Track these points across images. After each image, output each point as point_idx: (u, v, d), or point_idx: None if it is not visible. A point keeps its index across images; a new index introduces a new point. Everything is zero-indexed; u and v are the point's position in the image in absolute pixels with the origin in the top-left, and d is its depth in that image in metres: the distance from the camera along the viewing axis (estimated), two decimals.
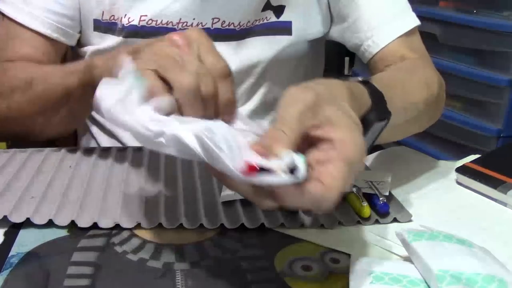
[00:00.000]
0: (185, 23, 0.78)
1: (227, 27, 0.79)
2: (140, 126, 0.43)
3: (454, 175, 0.70)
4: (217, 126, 0.40)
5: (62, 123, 0.75)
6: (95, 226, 0.55)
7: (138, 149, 0.74)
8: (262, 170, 0.38)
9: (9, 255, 0.51)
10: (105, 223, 0.55)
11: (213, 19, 0.79)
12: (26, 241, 0.53)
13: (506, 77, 1.51)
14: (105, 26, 0.79)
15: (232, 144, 0.39)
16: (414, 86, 0.67)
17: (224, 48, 0.80)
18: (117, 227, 0.55)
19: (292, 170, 0.39)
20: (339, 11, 0.82)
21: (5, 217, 0.55)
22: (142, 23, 0.77)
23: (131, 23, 0.78)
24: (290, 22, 0.82)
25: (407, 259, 0.50)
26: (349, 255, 0.52)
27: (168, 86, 0.47)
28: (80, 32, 0.82)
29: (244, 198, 0.59)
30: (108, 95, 0.46)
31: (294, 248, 0.54)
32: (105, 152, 0.73)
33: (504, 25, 1.51)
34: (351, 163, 0.40)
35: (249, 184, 0.40)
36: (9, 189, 0.62)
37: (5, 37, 0.79)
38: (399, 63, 0.76)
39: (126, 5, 0.77)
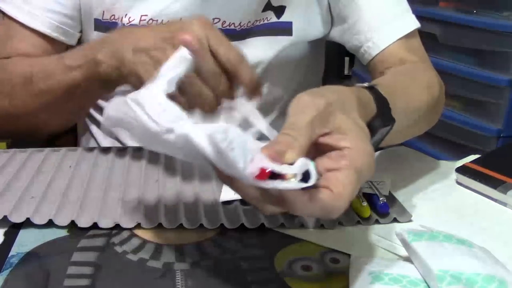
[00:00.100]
0: None
1: (227, 27, 0.79)
2: (149, 120, 0.43)
3: (454, 175, 0.70)
4: (231, 128, 0.40)
5: (65, 117, 0.75)
6: (95, 226, 0.55)
7: (138, 149, 0.74)
8: (273, 175, 0.38)
9: (9, 255, 0.51)
10: (105, 223, 0.56)
11: (213, 19, 0.79)
12: (26, 241, 0.53)
13: (506, 77, 1.51)
14: (106, 26, 0.79)
15: (245, 147, 0.39)
16: (416, 90, 0.67)
17: None
18: (117, 227, 0.55)
19: (304, 176, 0.38)
20: (339, 12, 0.82)
21: (5, 217, 0.55)
22: (142, 23, 0.77)
23: (131, 23, 0.78)
24: (291, 22, 0.82)
25: (407, 259, 0.50)
26: (349, 255, 0.52)
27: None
28: (81, 31, 0.82)
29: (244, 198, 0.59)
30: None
31: (294, 248, 0.54)
32: (105, 152, 0.73)
33: (504, 25, 1.51)
34: (360, 172, 0.40)
35: (257, 189, 0.40)
36: (9, 189, 0.62)
37: (4, 35, 0.79)
38: (399, 65, 0.76)
39: (126, 5, 0.77)
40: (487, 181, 0.66)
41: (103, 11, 0.79)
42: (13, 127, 0.76)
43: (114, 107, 0.46)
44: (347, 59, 2.34)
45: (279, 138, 0.41)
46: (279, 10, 0.81)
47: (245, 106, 0.50)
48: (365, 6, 0.79)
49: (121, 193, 0.61)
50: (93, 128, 0.90)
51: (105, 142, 0.88)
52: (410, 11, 0.81)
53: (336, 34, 0.85)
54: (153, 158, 0.71)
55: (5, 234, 0.54)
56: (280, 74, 0.86)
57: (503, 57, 1.53)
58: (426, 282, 0.46)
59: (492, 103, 1.57)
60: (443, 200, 0.65)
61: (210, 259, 0.51)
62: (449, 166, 0.73)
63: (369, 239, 0.55)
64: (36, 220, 0.55)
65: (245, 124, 0.48)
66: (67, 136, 0.98)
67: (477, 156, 0.75)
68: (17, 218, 0.55)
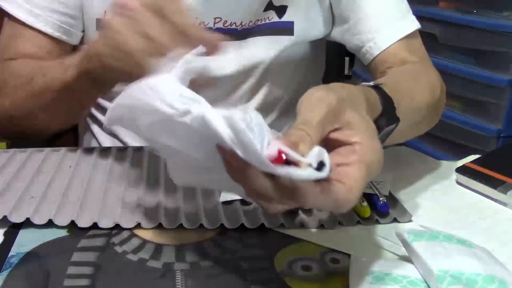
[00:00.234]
0: None
1: (229, 26, 0.80)
2: (163, 105, 0.42)
3: (454, 175, 0.70)
4: (249, 111, 0.40)
5: (65, 118, 0.75)
6: (95, 226, 0.55)
7: (138, 149, 0.74)
8: (288, 163, 0.38)
9: (9, 255, 0.51)
10: (105, 223, 0.55)
11: (215, 18, 0.79)
12: (26, 241, 0.53)
13: (506, 77, 1.51)
14: None
15: (262, 130, 0.39)
16: (418, 91, 0.67)
17: (226, 48, 0.81)
18: (117, 227, 0.55)
19: (319, 166, 0.38)
20: (340, 13, 0.82)
21: (5, 217, 0.55)
22: None
23: None
24: (292, 22, 0.82)
25: (407, 259, 0.50)
26: (349, 255, 0.52)
27: None
28: (83, 31, 0.82)
29: (243, 198, 0.59)
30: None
31: (294, 248, 0.54)
32: (105, 152, 0.73)
33: (504, 25, 1.51)
34: (370, 167, 0.41)
35: (269, 179, 0.39)
36: (9, 189, 0.61)
37: (9, 36, 0.79)
38: (400, 65, 0.76)
39: None
40: (487, 181, 0.66)
41: (105, 11, 0.79)
42: (14, 128, 0.76)
43: (124, 96, 0.46)
44: (347, 59, 2.34)
45: (292, 131, 0.41)
46: (281, 10, 0.82)
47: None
48: (366, 6, 0.79)
49: (121, 193, 0.61)
50: (94, 128, 0.90)
51: (106, 141, 0.88)
52: (411, 12, 0.81)
53: (337, 34, 0.85)
54: (153, 158, 0.71)
55: (5, 234, 0.54)
56: (280, 74, 0.86)
57: (503, 57, 1.52)
58: (426, 282, 0.46)
59: (492, 103, 1.57)
60: (443, 200, 0.65)
61: (210, 259, 0.51)
62: (449, 166, 0.73)
63: (369, 239, 0.55)
64: (36, 220, 0.55)
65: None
66: (67, 136, 0.98)
67: (477, 156, 0.75)
68: (17, 218, 0.55)
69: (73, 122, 0.90)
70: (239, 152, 0.38)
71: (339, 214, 0.59)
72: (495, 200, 0.65)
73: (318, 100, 0.42)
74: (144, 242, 0.54)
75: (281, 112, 0.90)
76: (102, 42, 0.57)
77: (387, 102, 0.54)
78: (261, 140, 0.38)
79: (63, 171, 0.67)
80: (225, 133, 0.38)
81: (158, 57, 0.48)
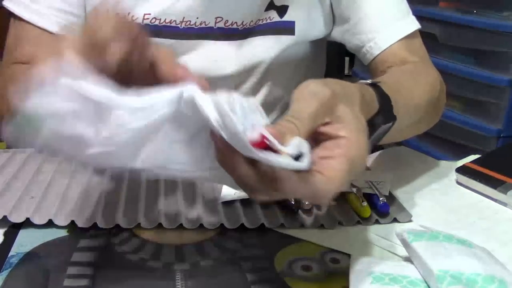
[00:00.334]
0: (188, 22, 0.78)
1: (230, 26, 0.80)
2: (158, 94, 0.41)
3: (454, 175, 0.70)
4: (235, 95, 0.40)
5: None
6: (95, 226, 0.55)
7: None
8: (270, 150, 0.38)
9: (9, 255, 0.51)
10: (105, 223, 0.55)
11: (216, 18, 0.79)
12: (26, 241, 0.53)
13: (506, 77, 1.51)
14: None
15: (246, 113, 0.39)
16: (418, 90, 0.68)
17: (226, 48, 0.81)
18: (117, 227, 0.55)
19: (298, 157, 0.39)
20: (341, 13, 0.82)
21: (5, 217, 0.55)
22: (145, 22, 0.78)
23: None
24: (293, 22, 0.82)
25: (407, 259, 0.50)
26: (349, 255, 0.52)
27: None
28: None
29: (243, 198, 0.59)
30: None
31: (294, 248, 0.54)
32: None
33: (504, 25, 1.51)
34: (353, 162, 0.41)
35: (251, 167, 0.40)
36: (8, 189, 0.61)
37: (14, 38, 0.79)
38: (400, 65, 0.77)
39: (130, 4, 0.77)
40: (487, 181, 0.66)
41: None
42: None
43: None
44: (347, 59, 2.34)
45: (281, 122, 0.41)
46: (282, 10, 0.82)
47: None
48: (366, 6, 0.79)
49: (121, 193, 0.61)
50: None
51: None
52: (411, 13, 0.81)
53: (337, 34, 0.85)
54: None
55: (5, 234, 0.54)
56: (281, 74, 0.86)
57: (503, 57, 1.53)
58: (426, 282, 0.46)
59: (492, 103, 1.57)
60: (443, 200, 0.65)
61: (210, 259, 0.51)
62: (449, 166, 0.73)
63: (369, 239, 0.55)
64: (36, 220, 0.55)
65: None
66: None
67: (477, 156, 0.75)
68: (17, 218, 0.55)
69: None
70: (224, 135, 0.38)
71: (339, 214, 0.59)
72: (495, 200, 0.65)
73: (311, 94, 0.42)
74: (144, 242, 0.54)
75: (282, 111, 0.90)
76: None
77: (385, 100, 0.54)
78: (244, 122, 0.38)
79: (63, 171, 0.67)
80: (212, 116, 0.38)
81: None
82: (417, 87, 0.68)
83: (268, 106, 0.88)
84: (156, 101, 0.41)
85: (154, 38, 0.79)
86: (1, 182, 0.63)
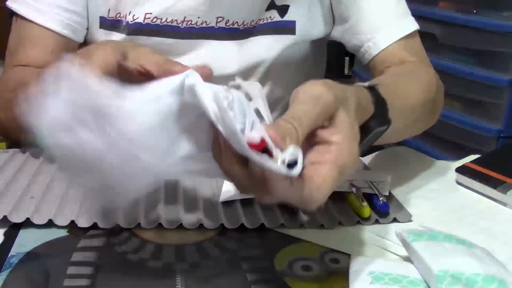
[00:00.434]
0: (189, 22, 0.78)
1: (231, 26, 0.80)
2: (157, 86, 0.42)
3: (454, 175, 0.70)
4: (233, 91, 0.40)
5: None
6: (95, 226, 0.55)
7: None
8: (264, 152, 0.38)
9: (9, 255, 0.51)
10: (105, 223, 0.55)
11: (217, 18, 0.79)
12: (26, 241, 0.53)
13: (506, 77, 1.51)
14: (111, 24, 0.80)
15: (244, 111, 0.39)
16: (414, 91, 0.68)
17: (227, 47, 0.81)
18: (117, 227, 0.55)
19: (291, 164, 0.39)
20: (340, 12, 0.82)
21: (5, 217, 0.55)
22: (147, 21, 0.78)
23: (136, 21, 0.78)
24: (294, 21, 0.82)
25: (407, 259, 0.50)
26: (349, 255, 0.52)
27: None
28: (87, 29, 0.82)
29: (243, 198, 0.59)
30: None
31: (294, 248, 0.54)
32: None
33: (504, 25, 1.51)
34: (342, 168, 0.41)
35: (243, 166, 0.40)
36: (8, 189, 0.61)
37: (17, 39, 0.79)
38: (399, 65, 0.77)
39: (131, 3, 0.78)
40: (487, 181, 0.66)
41: (109, 9, 0.79)
42: (13, 138, 0.76)
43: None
44: (347, 59, 2.34)
45: (281, 123, 0.41)
46: (283, 9, 0.82)
47: (253, 87, 0.50)
48: (366, 7, 0.79)
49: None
50: None
51: None
52: (410, 13, 0.81)
53: (337, 33, 0.85)
54: None
55: (5, 234, 0.54)
56: (282, 73, 0.86)
57: (503, 57, 1.52)
58: (426, 282, 0.46)
59: (492, 103, 1.57)
60: (443, 200, 0.65)
61: (210, 259, 0.51)
62: (449, 166, 0.73)
63: (369, 239, 0.55)
64: (36, 220, 0.55)
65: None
66: None
67: (477, 156, 0.75)
68: (17, 218, 0.55)
69: None
70: (221, 129, 0.39)
71: (339, 214, 0.59)
72: (495, 200, 0.65)
73: (314, 97, 0.42)
74: (144, 242, 0.54)
75: (283, 111, 0.90)
76: None
77: (380, 104, 0.54)
78: (242, 120, 0.39)
79: None
80: (211, 108, 0.39)
81: None
82: (413, 87, 0.68)
83: (269, 106, 0.88)
84: (160, 90, 0.41)
85: (155, 37, 0.79)
86: (1, 182, 0.63)
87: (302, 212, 0.59)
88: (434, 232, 0.50)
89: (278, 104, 0.89)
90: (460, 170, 0.69)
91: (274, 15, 0.82)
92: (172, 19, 0.78)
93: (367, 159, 0.73)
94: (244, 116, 0.39)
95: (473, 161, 0.71)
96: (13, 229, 0.55)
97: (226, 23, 0.80)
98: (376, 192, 0.60)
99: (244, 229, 0.56)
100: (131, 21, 0.78)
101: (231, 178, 0.42)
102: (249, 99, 0.49)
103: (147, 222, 0.56)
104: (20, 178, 0.64)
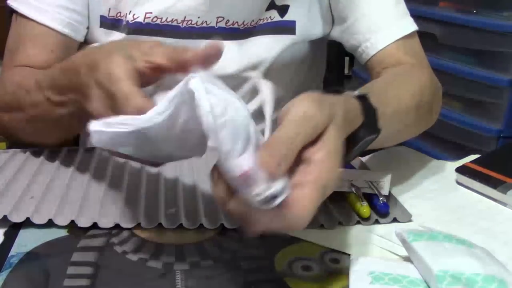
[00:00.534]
0: (189, 21, 0.78)
1: (231, 26, 0.80)
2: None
3: (454, 175, 0.70)
4: (231, 106, 0.40)
5: (61, 138, 0.74)
6: (95, 226, 0.55)
7: None
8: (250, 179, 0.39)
9: (9, 255, 0.51)
10: (105, 223, 0.55)
11: (217, 18, 0.79)
12: (26, 241, 0.53)
13: (506, 77, 1.51)
14: (111, 23, 0.80)
15: (238, 131, 0.39)
16: (406, 95, 0.67)
17: (228, 47, 0.80)
18: (117, 227, 0.55)
19: (273, 197, 0.39)
20: (339, 12, 0.82)
21: (5, 216, 0.55)
22: (147, 21, 0.78)
23: (136, 20, 0.78)
24: (294, 21, 0.82)
25: (407, 259, 0.50)
26: (349, 255, 0.52)
27: None
28: (87, 28, 0.82)
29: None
30: None
31: (294, 248, 0.54)
32: (105, 152, 0.73)
33: (504, 25, 1.51)
34: (325, 188, 0.42)
35: (226, 188, 0.41)
36: (8, 189, 0.61)
37: (17, 38, 0.78)
38: (396, 67, 0.76)
39: (131, 2, 0.78)
40: (487, 181, 0.66)
41: (109, 8, 0.79)
42: (13, 139, 0.76)
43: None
44: (347, 59, 2.34)
45: (276, 146, 0.41)
46: (283, 9, 0.82)
47: (266, 87, 0.50)
48: (364, 7, 0.79)
49: (121, 193, 0.61)
50: None
51: None
52: (409, 14, 0.81)
53: (336, 33, 0.85)
54: None
55: (5, 234, 0.54)
56: (282, 73, 0.86)
57: (503, 57, 1.52)
58: (426, 282, 0.46)
59: (492, 103, 1.57)
60: (443, 200, 0.65)
61: (210, 259, 0.51)
62: (449, 166, 0.73)
63: (369, 239, 0.55)
64: (36, 220, 0.55)
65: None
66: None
67: (477, 156, 0.75)
68: (17, 218, 0.55)
69: (74, 134, 0.90)
70: (213, 145, 0.39)
71: (339, 214, 0.59)
72: (495, 200, 0.65)
73: (306, 117, 0.42)
74: (144, 242, 0.54)
75: None
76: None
77: (370, 114, 0.54)
78: (233, 140, 0.39)
79: (63, 171, 0.67)
80: (206, 121, 0.39)
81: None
82: (406, 92, 0.67)
83: None
84: (172, 95, 0.42)
85: (155, 37, 0.79)
86: (1, 182, 0.63)
87: None
88: (434, 232, 0.50)
89: (279, 104, 0.89)
90: (460, 170, 0.69)
91: (274, 15, 0.82)
92: (172, 19, 0.78)
93: (367, 159, 0.73)
94: (239, 136, 0.39)
95: (473, 161, 0.71)
96: (13, 229, 0.55)
97: (226, 23, 0.80)
98: (376, 192, 0.60)
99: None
100: (131, 21, 0.78)
101: (216, 197, 0.42)
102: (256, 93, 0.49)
103: (147, 222, 0.56)
104: (20, 178, 0.64)
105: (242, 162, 0.39)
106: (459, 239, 0.50)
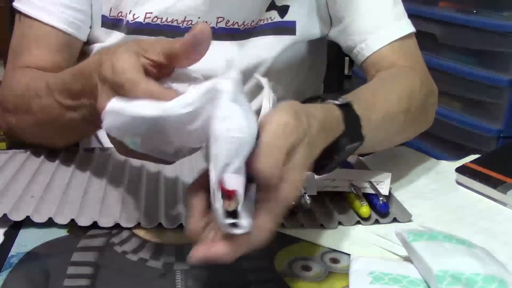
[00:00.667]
0: (190, 22, 0.78)
1: (231, 26, 0.80)
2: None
3: (454, 175, 0.70)
4: (249, 126, 0.40)
5: (70, 142, 0.74)
6: (95, 225, 0.55)
7: None
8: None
9: (9, 255, 0.51)
10: (105, 222, 0.56)
11: (217, 18, 0.79)
12: (26, 241, 0.53)
13: (506, 77, 1.51)
14: (112, 23, 0.80)
15: (242, 154, 0.39)
16: (394, 99, 0.66)
17: (228, 47, 0.81)
18: (117, 227, 0.55)
19: (235, 226, 0.40)
20: (336, 13, 0.82)
21: (5, 215, 0.55)
22: (147, 20, 0.78)
23: (136, 20, 0.78)
24: (294, 22, 0.82)
25: (407, 259, 0.50)
26: (349, 255, 0.52)
27: None
28: (90, 27, 0.82)
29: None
30: None
31: (294, 248, 0.54)
32: (105, 152, 0.73)
33: (504, 25, 1.51)
34: (285, 204, 0.42)
35: (203, 203, 0.43)
36: (9, 189, 0.61)
37: (21, 38, 0.78)
38: (389, 69, 0.76)
39: (132, 2, 0.78)
40: (487, 181, 0.66)
41: (110, 8, 0.79)
42: (22, 141, 0.75)
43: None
44: (347, 59, 2.33)
45: (264, 167, 0.41)
46: (283, 10, 0.82)
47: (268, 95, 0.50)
48: (361, 8, 0.79)
49: (121, 193, 0.61)
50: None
51: (108, 141, 0.88)
52: (406, 16, 0.80)
53: (333, 34, 0.85)
54: None
55: (5, 234, 0.54)
56: (282, 74, 0.86)
57: (503, 57, 1.52)
58: (426, 282, 0.46)
59: (492, 103, 1.57)
60: (443, 200, 0.65)
61: None
62: (449, 166, 0.73)
63: (369, 239, 0.55)
64: (36, 219, 0.55)
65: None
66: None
67: (477, 156, 0.75)
68: (17, 217, 0.55)
69: (84, 138, 0.90)
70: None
71: (339, 214, 0.59)
72: (495, 200, 0.65)
73: (285, 133, 0.42)
74: (144, 242, 0.54)
75: None
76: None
77: (352, 122, 0.55)
78: (234, 161, 0.39)
79: (63, 171, 0.67)
80: (219, 128, 0.39)
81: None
82: (393, 95, 0.67)
83: None
84: (203, 90, 0.41)
85: (155, 37, 0.79)
86: (1, 182, 0.63)
87: (302, 212, 0.59)
88: (434, 232, 0.50)
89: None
90: (460, 170, 0.69)
91: (274, 16, 0.82)
92: (173, 19, 0.78)
93: (367, 159, 0.73)
94: (239, 154, 0.39)
95: (473, 161, 0.71)
96: (13, 229, 0.55)
97: (226, 23, 0.80)
98: (376, 192, 0.60)
99: None
100: (132, 20, 0.78)
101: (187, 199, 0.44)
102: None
103: (147, 222, 0.56)
104: (20, 178, 0.64)
105: (231, 180, 0.39)
106: (459, 239, 0.50)
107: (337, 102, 0.54)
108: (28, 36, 0.77)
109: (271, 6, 0.81)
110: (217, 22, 0.79)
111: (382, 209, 0.59)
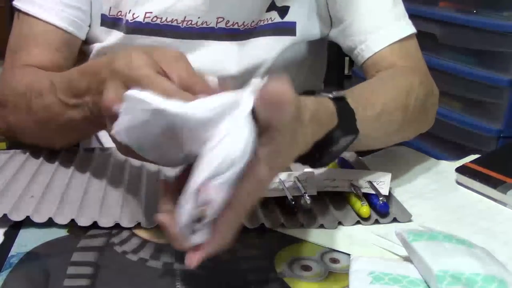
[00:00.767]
0: (189, 22, 0.78)
1: (231, 26, 0.80)
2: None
3: (454, 175, 0.70)
4: (245, 147, 0.40)
5: (70, 142, 0.74)
6: (95, 225, 0.55)
7: None
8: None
9: (9, 255, 0.51)
10: (105, 222, 0.56)
11: (217, 18, 0.79)
12: (26, 241, 0.53)
13: (506, 77, 1.51)
14: (111, 22, 0.80)
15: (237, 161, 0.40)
16: (390, 98, 0.66)
17: (228, 48, 0.81)
18: (117, 227, 0.55)
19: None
20: (336, 13, 0.82)
21: (5, 215, 0.55)
22: (147, 20, 0.78)
23: (136, 20, 0.78)
24: (295, 22, 0.82)
25: (407, 259, 0.50)
26: (349, 255, 0.52)
27: None
28: (89, 26, 0.82)
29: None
30: None
31: (294, 248, 0.54)
32: (105, 151, 0.73)
33: (504, 25, 1.51)
34: (260, 186, 0.43)
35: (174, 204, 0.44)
36: (8, 189, 0.61)
37: (20, 37, 0.78)
38: (388, 69, 0.76)
39: (132, 2, 0.78)
40: (487, 181, 0.66)
41: (110, 7, 0.79)
42: (21, 141, 0.75)
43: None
44: (347, 59, 2.33)
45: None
46: (283, 10, 0.82)
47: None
48: (361, 8, 0.79)
49: (121, 193, 0.61)
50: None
51: (108, 141, 0.88)
52: (407, 16, 0.80)
53: (333, 34, 0.85)
54: None
55: (5, 234, 0.54)
56: (283, 74, 0.86)
57: (503, 57, 1.52)
58: (426, 282, 0.46)
59: (492, 103, 1.57)
60: (443, 200, 0.65)
61: (210, 259, 0.51)
62: (449, 166, 0.73)
63: (369, 239, 0.55)
64: (36, 219, 0.55)
65: None
66: None
67: (477, 156, 0.75)
68: (17, 217, 0.55)
69: (84, 139, 0.90)
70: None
71: (339, 214, 0.59)
72: (495, 200, 0.65)
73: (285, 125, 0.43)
74: (144, 242, 0.54)
75: None
76: None
77: (346, 115, 0.55)
78: (220, 174, 0.40)
79: (63, 171, 0.67)
80: (221, 146, 0.39)
81: None
82: (390, 94, 0.67)
83: None
84: (229, 101, 0.41)
85: (154, 36, 0.79)
86: (1, 182, 0.63)
87: (302, 212, 0.59)
88: (434, 232, 0.50)
89: None
90: (460, 170, 0.69)
91: (275, 16, 0.82)
92: (172, 19, 0.78)
93: (367, 159, 0.73)
94: (229, 169, 0.40)
95: (473, 161, 0.71)
96: (13, 229, 0.55)
97: (226, 23, 0.79)
98: (376, 192, 0.60)
99: (244, 229, 0.56)
100: (131, 20, 0.78)
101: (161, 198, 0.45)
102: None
103: (147, 222, 0.56)
104: (20, 178, 0.64)
105: (216, 189, 0.39)
106: (459, 239, 0.50)
107: (330, 96, 0.55)
108: (27, 34, 0.77)
109: (271, 7, 0.81)
110: (217, 22, 0.79)
111: (382, 209, 0.59)
